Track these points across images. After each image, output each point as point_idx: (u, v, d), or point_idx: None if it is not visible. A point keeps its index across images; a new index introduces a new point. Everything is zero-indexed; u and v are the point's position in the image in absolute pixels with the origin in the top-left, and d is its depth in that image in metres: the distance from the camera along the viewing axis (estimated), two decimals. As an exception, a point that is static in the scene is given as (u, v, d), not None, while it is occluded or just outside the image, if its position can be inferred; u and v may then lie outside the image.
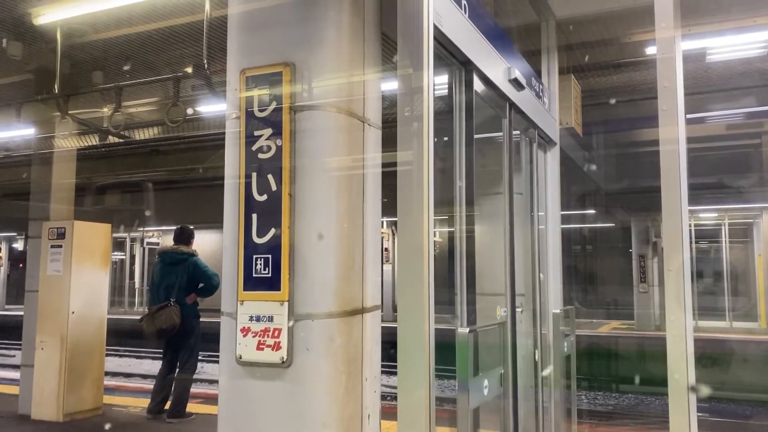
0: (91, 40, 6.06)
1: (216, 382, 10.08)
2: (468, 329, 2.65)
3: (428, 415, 2.08)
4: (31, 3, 5.22)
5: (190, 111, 7.57)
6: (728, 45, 6.05)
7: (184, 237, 6.58)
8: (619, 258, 19.24)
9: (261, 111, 2.37)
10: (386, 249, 18.30)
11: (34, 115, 6.89)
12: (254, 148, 2.36)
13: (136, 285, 24.22)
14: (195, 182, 14.76)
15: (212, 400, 7.74)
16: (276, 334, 2.26)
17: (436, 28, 2.34)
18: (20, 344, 7.01)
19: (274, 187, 2.31)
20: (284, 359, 2.24)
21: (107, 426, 6.22)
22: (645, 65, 6.90)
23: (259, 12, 2.47)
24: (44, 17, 5.26)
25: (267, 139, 2.34)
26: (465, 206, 2.88)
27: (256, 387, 2.30)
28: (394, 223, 16.74)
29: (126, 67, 6.94)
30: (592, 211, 17.86)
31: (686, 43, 5.51)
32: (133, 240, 24.65)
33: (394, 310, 16.27)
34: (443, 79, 2.95)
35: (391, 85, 3.60)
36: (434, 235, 2.26)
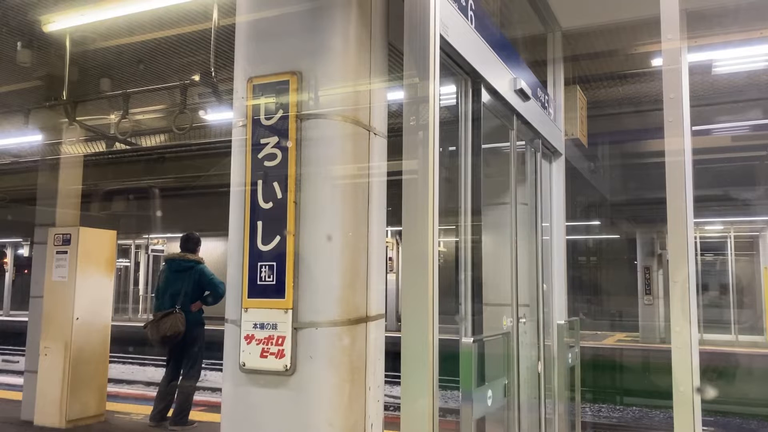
0: (99, 47, 6.10)
1: (219, 390, 10.04)
2: (472, 339, 2.64)
3: (431, 426, 2.07)
4: (41, 10, 5.27)
5: (201, 113, 7.60)
6: (734, 57, 6.06)
7: (190, 244, 6.59)
8: (623, 269, 19.16)
9: (267, 119, 2.38)
10: (390, 258, 18.26)
11: (42, 122, 6.93)
12: (260, 155, 2.37)
13: (141, 292, 24.24)
14: (200, 189, 14.79)
15: (215, 407, 7.71)
16: (280, 342, 2.26)
17: (442, 38, 2.34)
18: (24, 350, 7.02)
19: (279, 195, 2.32)
20: (288, 367, 2.24)
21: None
22: (651, 76, 6.90)
23: (267, 21, 2.49)
24: (54, 24, 5.30)
25: (273, 147, 2.35)
26: (470, 216, 2.88)
27: (259, 394, 2.29)
28: (399, 233, 16.72)
29: (133, 75, 6.98)
30: (597, 223, 17.82)
31: (692, 55, 5.51)
32: (138, 247, 24.71)
33: (398, 319, 16.23)
34: (449, 88, 2.96)
35: (397, 95, 3.61)
36: (439, 245, 2.26)
